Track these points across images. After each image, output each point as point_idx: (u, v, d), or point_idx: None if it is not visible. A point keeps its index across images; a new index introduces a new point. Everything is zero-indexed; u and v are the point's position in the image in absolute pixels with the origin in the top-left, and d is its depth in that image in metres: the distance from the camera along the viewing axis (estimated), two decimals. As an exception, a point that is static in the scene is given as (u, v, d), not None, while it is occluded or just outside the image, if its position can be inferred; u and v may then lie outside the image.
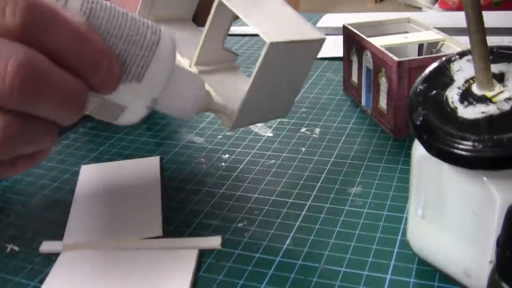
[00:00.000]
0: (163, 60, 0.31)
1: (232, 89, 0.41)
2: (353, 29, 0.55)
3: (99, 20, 0.29)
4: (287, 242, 0.37)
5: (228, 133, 0.52)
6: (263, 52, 0.36)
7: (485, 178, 0.28)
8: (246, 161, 0.48)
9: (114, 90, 0.30)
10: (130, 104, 0.31)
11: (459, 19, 0.79)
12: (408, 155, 0.44)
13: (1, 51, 0.25)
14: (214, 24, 0.41)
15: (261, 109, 0.40)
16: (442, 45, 0.52)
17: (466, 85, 0.30)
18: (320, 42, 0.40)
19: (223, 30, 0.42)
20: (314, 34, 0.39)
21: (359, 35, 0.53)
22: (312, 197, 0.42)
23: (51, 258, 0.37)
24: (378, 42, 0.51)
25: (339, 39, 0.70)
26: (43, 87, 0.26)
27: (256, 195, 0.43)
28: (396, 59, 0.46)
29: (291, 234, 0.38)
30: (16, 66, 0.25)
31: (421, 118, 0.30)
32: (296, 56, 0.39)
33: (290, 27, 0.40)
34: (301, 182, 0.44)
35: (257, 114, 0.41)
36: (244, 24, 0.68)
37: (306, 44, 0.39)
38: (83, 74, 0.28)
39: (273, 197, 0.42)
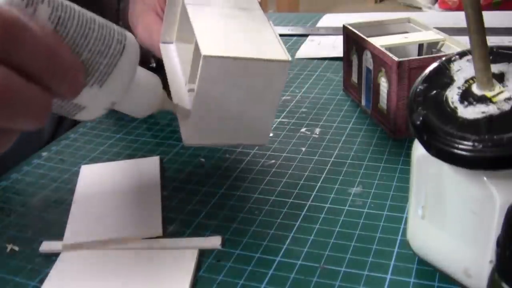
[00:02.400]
0: (125, 69, 0.32)
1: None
2: (353, 29, 0.55)
3: (66, 30, 0.29)
4: (287, 242, 0.37)
5: (228, 133, 0.52)
6: (200, 64, 0.36)
7: (485, 178, 0.28)
8: (246, 161, 0.48)
9: (76, 97, 0.30)
10: (89, 105, 0.32)
11: (459, 19, 0.79)
12: (408, 155, 0.44)
13: None
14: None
15: (222, 128, 0.39)
16: (442, 45, 0.52)
17: (466, 85, 0.30)
18: (283, 64, 0.38)
19: None
20: (276, 55, 0.38)
21: (359, 35, 0.53)
22: (312, 197, 0.42)
23: (51, 258, 0.37)
24: (378, 42, 0.51)
25: (339, 39, 0.70)
26: (14, 105, 0.26)
27: (256, 195, 0.43)
28: (396, 59, 0.46)
29: (291, 234, 0.38)
30: None
31: (421, 118, 0.30)
32: (253, 75, 0.38)
33: (252, 44, 0.38)
34: (301, 182, 0.44)
35: (218, 133, 0.40)
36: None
37: (262, 64, 0.37)
38: (49, 85, 0.28)
39: (273, 197, 0.42)
